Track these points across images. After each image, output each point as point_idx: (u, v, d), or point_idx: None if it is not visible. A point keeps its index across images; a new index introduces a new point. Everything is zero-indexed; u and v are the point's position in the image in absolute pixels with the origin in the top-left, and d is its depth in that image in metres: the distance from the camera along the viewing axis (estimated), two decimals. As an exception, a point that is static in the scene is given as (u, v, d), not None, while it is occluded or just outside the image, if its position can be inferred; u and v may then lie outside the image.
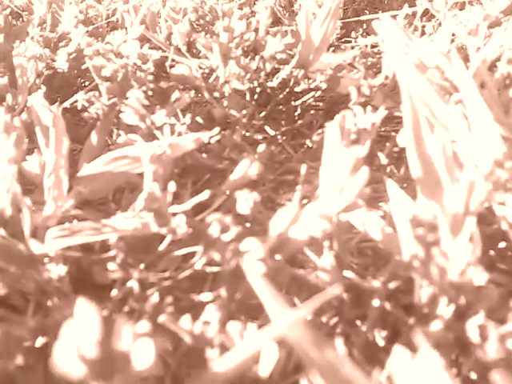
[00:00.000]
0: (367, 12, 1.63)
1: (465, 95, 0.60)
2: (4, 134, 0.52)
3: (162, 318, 0.46)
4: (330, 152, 0.58)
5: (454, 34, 1.02)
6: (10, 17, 1.47)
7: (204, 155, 0.84)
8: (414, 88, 0.55)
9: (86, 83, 1.10)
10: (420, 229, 0.42)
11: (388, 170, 0.82)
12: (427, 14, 1.17)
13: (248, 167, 0.60)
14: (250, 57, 1.06)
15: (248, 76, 0.85)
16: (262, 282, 0.38)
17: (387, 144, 0.86)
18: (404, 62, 0.58)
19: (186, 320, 0.45)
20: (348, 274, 0.52)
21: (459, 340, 0.42)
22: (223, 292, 0.50)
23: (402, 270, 0.49)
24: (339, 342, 0.40)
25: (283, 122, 0.95)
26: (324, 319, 0.56)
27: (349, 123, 0.60)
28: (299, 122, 0.93)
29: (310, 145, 0.90)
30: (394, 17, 1.14)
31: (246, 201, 0.53)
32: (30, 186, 0.74)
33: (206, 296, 0.52)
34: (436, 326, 0.45)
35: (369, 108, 0.69)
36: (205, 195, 0.59)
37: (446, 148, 0.54)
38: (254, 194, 0.52)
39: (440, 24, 1.05)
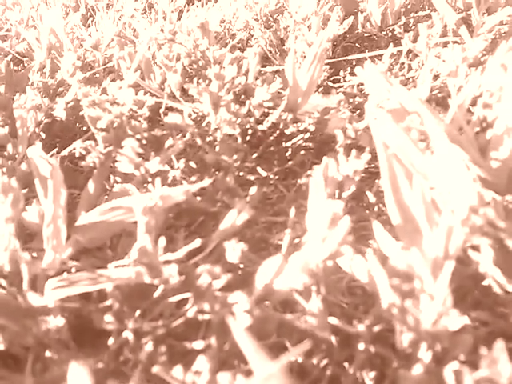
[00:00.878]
0: (358, 45, 1.68)
1: (436, 149, 0.63)
2: (1, 194, 0.55)
3: (155, 369, 0.48)
4: (315, 200, 0.61)
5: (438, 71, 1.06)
6: (11, 63, 1.52)
7: (198, 198, 0.88)
8: (390, 139, 0.58)
9: (84, 128, 1.14)
10: (396, 279, 0.44)
11: (376, 208, 0.84)
12: (412, 51, 1.21)
13: (237, 216, 0.62)
14: (241, 99, 1.09)
15: (239, 121, 0.88)
16: (245, 336, 0.41)
17: (376, 181, 0.89)
18: (379, 112, 0.61)
19: (178, 370, 0.47)
20: (334, 319, 0.54)
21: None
22: (213, 341, 0.52)
23: (385, 313, 0.51)
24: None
25: (275, 162, 0.98)
26: (314, 361, 0.58)
27: (332, 171, 0.63)
28: (290, 162, 0.95)
29: (302, 182, 0.93)
30: (381, 56, 1.19)
31: (234, 250, 0.56)
32: (31, 231, 0.77)
33: (198, 344, 0.55)
34: (417, 369, 0.47)
35: (353, 152, 0.72)
36: (196, 243, 0.62)
37: (424, 195, 0.57)
38: (241, 244, 0.55)
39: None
